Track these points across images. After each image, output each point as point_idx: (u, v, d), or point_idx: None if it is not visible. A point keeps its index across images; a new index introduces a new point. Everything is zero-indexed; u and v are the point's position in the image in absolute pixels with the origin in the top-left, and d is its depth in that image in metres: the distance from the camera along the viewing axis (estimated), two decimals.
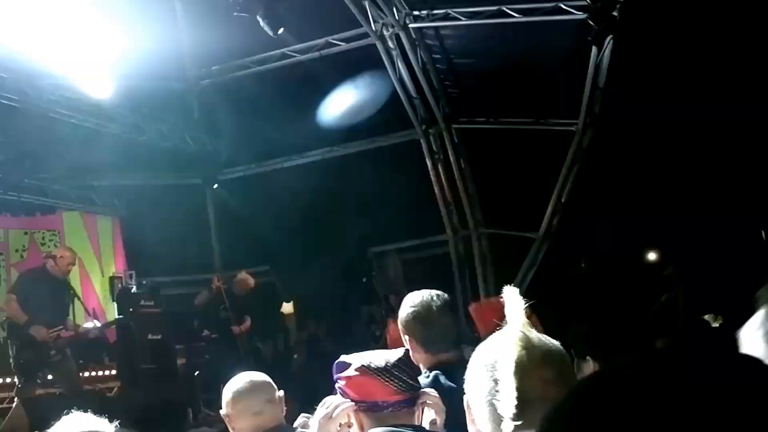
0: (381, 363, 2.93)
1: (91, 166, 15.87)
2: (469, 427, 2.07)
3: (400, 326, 4.07)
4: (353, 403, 2.92)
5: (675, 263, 11.23)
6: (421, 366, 3.81)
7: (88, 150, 15.01)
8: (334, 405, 2.93)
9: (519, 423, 1.86)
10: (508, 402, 1.89)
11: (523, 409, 1.86)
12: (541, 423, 0.99)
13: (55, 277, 10.08)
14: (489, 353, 2.05)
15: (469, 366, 2.11)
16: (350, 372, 2.95)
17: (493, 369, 1.97)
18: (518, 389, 1.88)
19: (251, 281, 13.77)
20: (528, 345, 1.94)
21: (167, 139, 15.73)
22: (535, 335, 1.99)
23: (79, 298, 10.26)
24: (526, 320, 2.01)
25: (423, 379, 3.56)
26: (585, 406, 0.91)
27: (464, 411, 2.28)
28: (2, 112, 13.14)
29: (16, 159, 14.09)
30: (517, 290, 2.09)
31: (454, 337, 4.01)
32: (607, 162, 13.83)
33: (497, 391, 1.93)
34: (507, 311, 2.02)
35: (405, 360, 2.97)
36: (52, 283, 10.06)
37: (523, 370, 1.90)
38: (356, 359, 3.00)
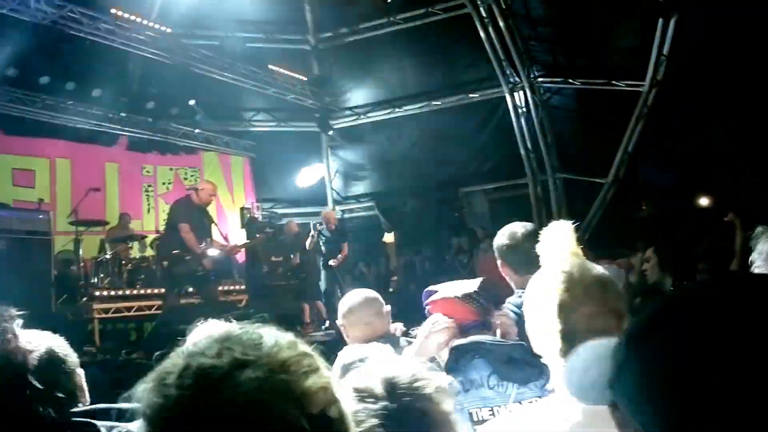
0: (461, 290, 3.27)
1: (227, 113, 18.49)
2: (534, 347, 2.27)
3: (495, 253, 4.31)
4: (453, 322, 3.28)
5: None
6: (514, 287, 4.10)
7: (224, 100, 17.69)
8: (438, 323, 3.29)
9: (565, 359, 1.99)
10: (554, 340, 2.07)
11: (570, 345, 1.99)
12: (626, 332, 1.10)
13: (198, 206, 10.84)
14: (538, 285, 2.21)
15: (525, 296, 2.31)
16: (435, 297, 3.34)
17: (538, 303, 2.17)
18: (562, 328, 2.06)
19: (333, 215, 15.13)
20: (570, 284, 2.09)
21: (290, 92, 18.04)
22: (578, 270, 2.14)
23: (215, 224, 11.28)
24: (575, 252, 2.21)
25: (516, 299, 3.83)
26: (673, 316, 1.02)
27: None
28: (155, 68, 15.52)
29: (165, 107, 16.35)
30: (568, 224, 2.31)
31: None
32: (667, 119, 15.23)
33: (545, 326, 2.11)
34: (557, 244, 2.25)
35: (483, 287, 3.29)
36: (196, 211, 10.82)
37: (565, 310, 2.07)
38: (441, 287, 3.38)
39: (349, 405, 1.30)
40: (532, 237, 3.84)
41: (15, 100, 14.42)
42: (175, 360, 1.20)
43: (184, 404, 1.13)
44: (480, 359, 3.00)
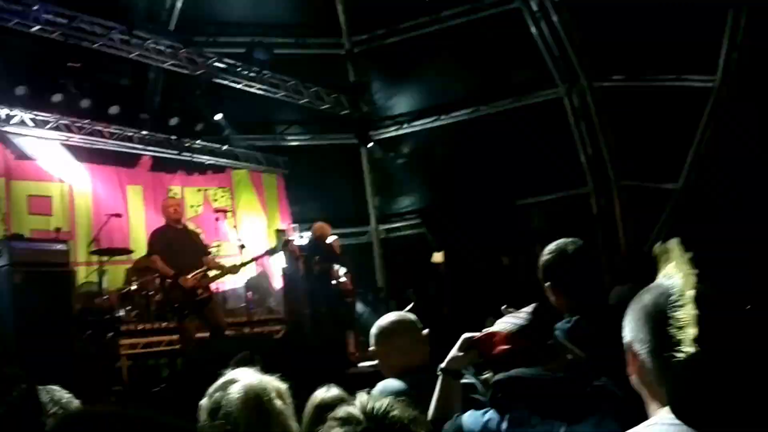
0: (509, 320, 3.28)
1: (256, 127, 18.48)
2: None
3: (539, 275, 4.20)
4: (471, 336, 3.46)
5: None
6: (560, 311, 4.02)
7: (253, 113, 17.65)
8: (462, 340, 3.48)
9: None
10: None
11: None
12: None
13: (175, 229, 11.52)
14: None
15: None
16: (484, 331, 3.38)
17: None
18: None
19: (328, 229, 15.08)
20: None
21: (325, 101, 17.91)
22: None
23: (199, 238, 11.83)
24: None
25: (564, 324, 3.81)
26: None
27: (604, 355, 2.75)
28: (175, 80, 15.61)
29: (189, 122, 16.32)
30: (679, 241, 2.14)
31: (592, 281, 4.09)
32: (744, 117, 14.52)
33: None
34: (672, 259, 2.11)
35: (535, 312, 3.28)
36: (173, 237, 11.43)
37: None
38: (491, 321, 3.42)
39: None
40: (585, 254, 4.17)
41: (26, 122, 14.26)
42: None
43: None
44: (521, 395, 2.94)
